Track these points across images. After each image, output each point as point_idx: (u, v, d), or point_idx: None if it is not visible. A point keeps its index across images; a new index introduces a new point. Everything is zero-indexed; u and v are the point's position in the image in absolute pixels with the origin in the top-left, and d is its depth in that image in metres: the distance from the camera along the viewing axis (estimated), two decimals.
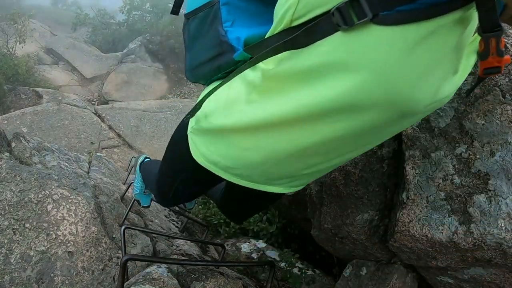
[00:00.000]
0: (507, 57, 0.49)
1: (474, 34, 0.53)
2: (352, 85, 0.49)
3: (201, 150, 0.77)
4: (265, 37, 0.58)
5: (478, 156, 0.90)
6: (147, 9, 13.59)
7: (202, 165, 0.78)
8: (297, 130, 0.59)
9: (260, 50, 0.58)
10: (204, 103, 0.75)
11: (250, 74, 0.62)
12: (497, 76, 0.93)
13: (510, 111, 0.89)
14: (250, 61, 0.60)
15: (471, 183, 0.90)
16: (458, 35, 0.47)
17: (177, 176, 0.98)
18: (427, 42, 0.45)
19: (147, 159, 1.70)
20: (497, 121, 0.89)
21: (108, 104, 7.93)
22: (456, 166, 0.93)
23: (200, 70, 0.82)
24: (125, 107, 6.74)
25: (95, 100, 9.48)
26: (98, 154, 2.97)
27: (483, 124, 0.91)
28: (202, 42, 0.78)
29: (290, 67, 0.53)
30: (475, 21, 0.48)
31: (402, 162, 1.03)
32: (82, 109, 6.12)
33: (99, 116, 6.22)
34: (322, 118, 0.55)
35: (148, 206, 1.85)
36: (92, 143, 5.58)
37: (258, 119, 0.61)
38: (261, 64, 0.58)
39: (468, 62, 0.58)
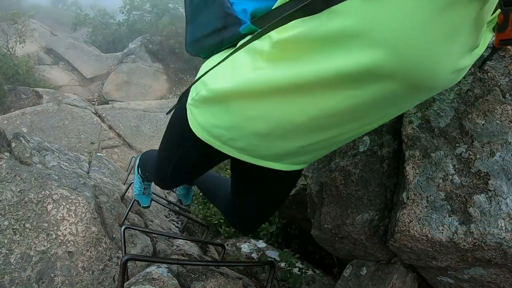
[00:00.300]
0: None
1: (493, 13, 0.52)
2: (370, 57, 0.48)
3: (201, 123, 0.74)
4: (274, 7, 0.56)
5: (478, 156, 0.90)
6: (147, 9, 13.60)
7: (202, 139, 0.75)
8: (308, 97, 0.57)
9: (270, 20, 0.55)
10: (205, 76, 0.72)
11: (256, 43, 0.59)
12: (497, 76, 0.93)
13: (510, 111, 0.89)
14: (259, 32, 0.57)
15: (471, 183, 0.90)
16: (478, 9, 0.46)
17: (175, 155, 0.95)
18: (447, 13, 0.44)
19: None
20: (497, 121, 0.89)
21: (108, 104, 7.93)
22: (456, 166, 0.93)
23: (202, 43, 0.79)
24: (125, 107, 6.75)
25: (95, 100, 9.48)
26: (98, 154, 2.97)
27: (483, 124, 0.91)
28: (206, 14, 0.75)
29: (305, 34, 0.51)
30: None
31: (402, 162, 1.03)
32: (82, 109, 6.12)
33: (99, 116, 6.22)
34: (336, 86, 0.54)
35: (148, 207, 1.85)
36: (92, 143, 5.58)
37: (264, 84, 0.58)
38: (272, 33, 0.55)
39: (485, 38, 0.57)
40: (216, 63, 0.68)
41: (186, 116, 0.78)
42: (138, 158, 1.68)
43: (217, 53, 0.76)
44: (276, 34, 0.54)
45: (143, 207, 1.83)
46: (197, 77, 0.76)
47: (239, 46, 0.61)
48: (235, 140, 0.72)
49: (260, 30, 0.57)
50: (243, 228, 1.28)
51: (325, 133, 0.65)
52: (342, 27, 0.47)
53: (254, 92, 0.61)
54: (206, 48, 0.79)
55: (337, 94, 0.55)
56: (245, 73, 0.61)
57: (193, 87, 0.77)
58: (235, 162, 0.96)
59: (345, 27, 0.47)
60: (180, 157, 0.94)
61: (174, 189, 1.78)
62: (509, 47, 0.94)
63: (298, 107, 0.59)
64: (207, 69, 0.71)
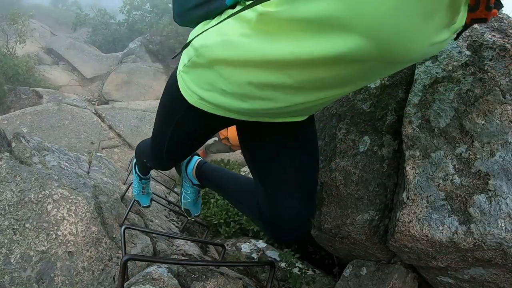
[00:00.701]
0: (494, 11, 0.52)
1: None
2: (349, 43, 0.50)
3: (192, 89, 0.76)
4: None
5: (478, 156, 0.90)
6: (147, 9, 13.60)
7: (194, 104, 0.77)
8: (292, 69, 0.60)
9: None
10: (194, 40, 0.73)
11: (244, 12, 0.61)
12: (497, 76, 0.93)
13: (510, 111, 0.89)
14: (247, 6, 0.59)
15: (471, 183, 0.90)
16: None
17: (169, 127, 0.94)
18: None
19: None
20: (497, 121, 0.89)
21: (108, 104, 7.92)
22: (456, 166, 0.93)
23: (189, 15, 0.80)
24: (125, 107, 6.74)
25: (95, 100, 9.47)
26: (98, 154, 2.97)
27: (483, 124, 0.91)
28: None
29: (284, 13, 0.53)
30: None
31: (402, 162, 1.03)
32: (82, 109, 6.11)
33: (99, 116, 6.22)
34: (317, 65, 0.57)
35: (149, 206, 1.85)
36: (92, 143, 5.58)
37: (251, 54, 0.61)
38: (259, 6, 0.57)
39: (464, 14, 0.60)
40: (205, 29, 0.70)
41: (178, 85, 0.80)
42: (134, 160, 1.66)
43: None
44: (261, 7, 0.56)
45: (144, 206, 1.82)
46: (187, 41, 0.77)
47: (229, 15, 0.63)
48: (226, 103, 0.73)
49: (247, 3, 0.60)
50: (285, 226, 0.94)
51: (313, 95, 0.68)
52: (320, 11, 0.49)
53: (242, 60, 0.63)
54: (194, 20, 0.80)
55: (319, 69, 0.58)
56: (233, 39, 0.63)
57: (183, 53, 0.78)
58: (240, 130, 0.97)
59: (323, 11, 0.49)
60: (175, 128, 0.93)
61: (180, 200, 1.51)
62: (508, 46, 0.94)
63: (283, 74, 0.62)
64: (196, 34, 0.73)
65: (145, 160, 1.44)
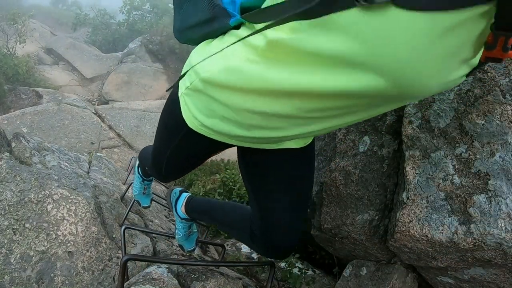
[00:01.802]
0: (510, 52, 0.49)
1: None
2: (367, 82, 0.48)
3: (194, 113, 0.74)
4: (268, 4, 0.55)
5: (478, 156, 0.90)
6: (147, 9, 13.63)
7: (195, 129, 0.76)
8: (298, 98, 0.58)
9: (264, 17, 0.54)
10: (196, 61, 0.71)
11: (251, 37, 0.58)
12: (497, 76, 0.93)
13: (510, 111, 0.89)
14: (256, 31, 0.56)
15: (471, 183, 0.90)
16: (485, 25, 0.44)
17: (169, 145, 0.93)
18: (452, 33, 0.42)
19: None
20: (497, 121, 0.89)
21: (108, 104, 7.94)
22: (456, 166, 0.93)
23: (190, 33, 0.78)
24: (125, 107, 6.75)
25: (95, 100, 9.48)
26: (98, 154, 2.97)
27: (483, 124, 0.91)
28: (193, 3, 0.74)
29: (302, 43, 0.50)
30: None
31: (402, 162, 1.03)
32: (82, 109, 6.12)
33: (99, 116, 6.22)
34: (328, 97, 0.55)
35: (149, 206, 1.84)
36: (92, 143, 5.58)
37: (257, 81, 0.58)
38: (269, 31, 0.53)
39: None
40: (207, 50, 0.68)
41: (179, 106, 0.78)
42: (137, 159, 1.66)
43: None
44: (270, 32, 0.53)
45: (144, 207, 1.82)
46: (189, 60, 0.75)
47: (235, 42, 0.61)
48: (228, 130, 0.72)
49: (256, 26, 0.57)
50: (277, 244, 0.97)
51: (318, 125, 0.66)
52: (335, 47, 0.46)
53: (246, 87, 0.60)
54: (195, 38, 0.78)
55: (326, 102, 0.56)
56: (238, 64, 0.60)
57: (186, 75, 0.76)
58: (241, 154, 0.96)
59: (338, 47, 0.45)
60: (177, 147, 0.92)
61: (175, 235, 1.48)
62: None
63: (288, 104, 0.60)
64: (199, 57, 0.71)
65: (147, 168, 1.45)
